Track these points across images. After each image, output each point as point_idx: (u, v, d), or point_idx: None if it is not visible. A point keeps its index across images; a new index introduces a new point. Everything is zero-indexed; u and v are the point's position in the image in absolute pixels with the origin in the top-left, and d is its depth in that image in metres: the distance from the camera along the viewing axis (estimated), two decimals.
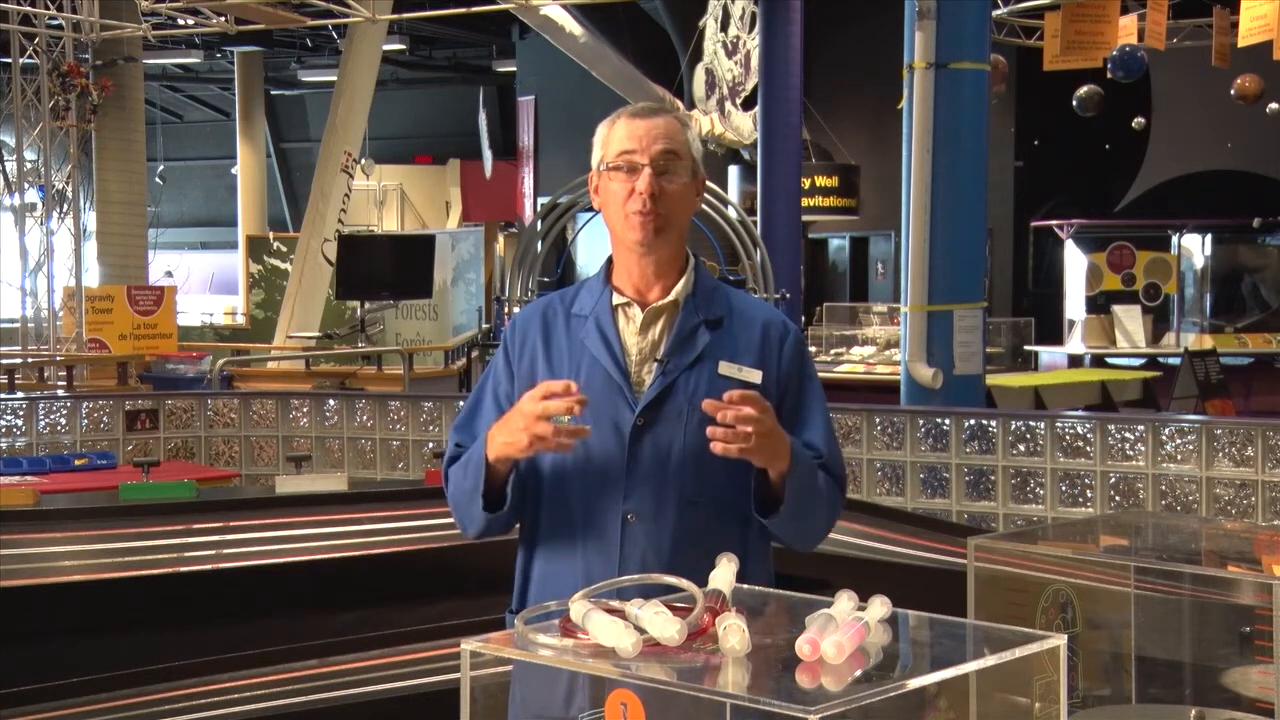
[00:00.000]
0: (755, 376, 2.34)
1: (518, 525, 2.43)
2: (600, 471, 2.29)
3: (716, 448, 2.15)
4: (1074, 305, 16.26)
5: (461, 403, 6.62)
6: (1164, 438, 5.50)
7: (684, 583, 1.72)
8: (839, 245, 19.20)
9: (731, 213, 8.13)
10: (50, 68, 12.09)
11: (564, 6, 13.62)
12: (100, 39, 12.66)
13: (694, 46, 15.20)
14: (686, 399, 2.29)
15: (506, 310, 8.25)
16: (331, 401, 6.85)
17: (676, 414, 2.28)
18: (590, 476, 2.29)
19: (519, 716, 2.09)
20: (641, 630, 1.58)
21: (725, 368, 2.33)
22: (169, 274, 22.27)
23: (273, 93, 25.32)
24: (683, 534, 2.27)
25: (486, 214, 22.76)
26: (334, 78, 15.42)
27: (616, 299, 2.38)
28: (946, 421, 5.93)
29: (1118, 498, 5.58)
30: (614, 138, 2.36)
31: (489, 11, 12.53)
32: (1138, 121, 15.22)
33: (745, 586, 1.82)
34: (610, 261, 2.43)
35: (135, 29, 12.56)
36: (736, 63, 15.00)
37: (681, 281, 2.38)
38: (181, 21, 12.76)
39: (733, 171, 16.38)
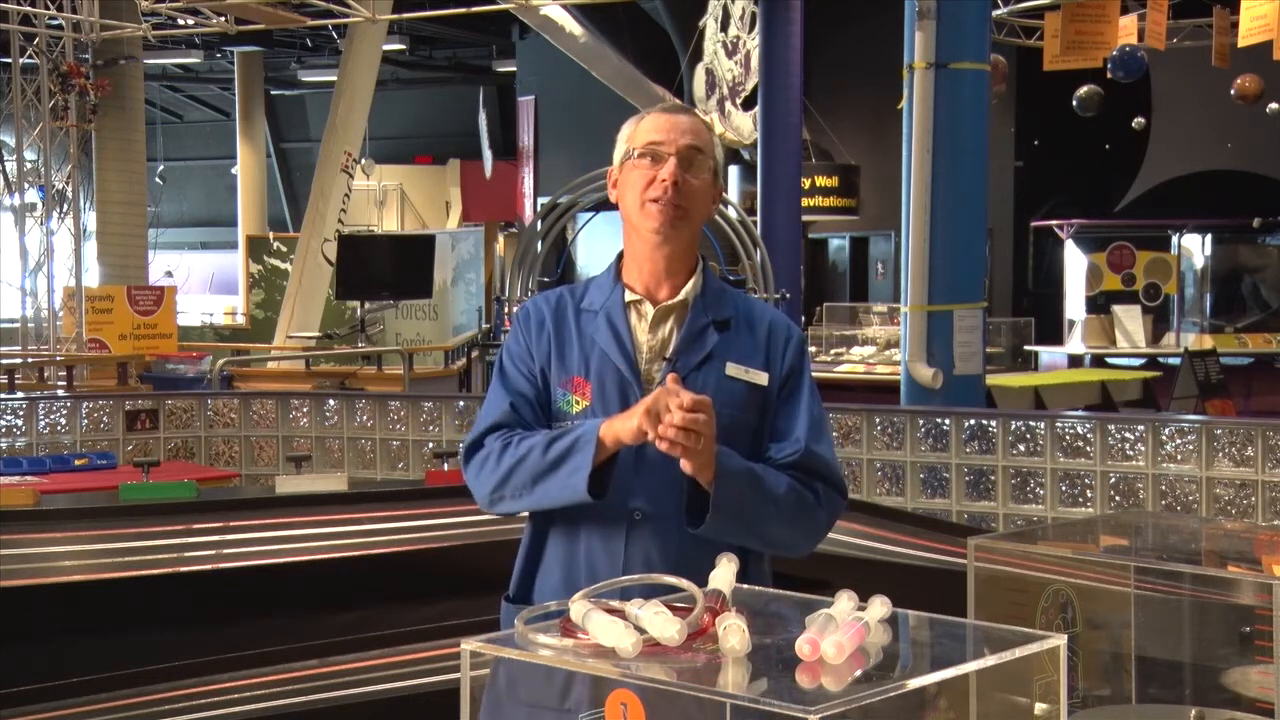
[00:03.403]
0: (762, 379, 2.35)
1: (529, 514, 2.42)
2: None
3: (662, 445, 2.15)
4: (1074, 305, 16.25)
5: (462, 403, 6.63)
6: (1164, 438, 5.50)
7: (684, 583, 1.72)
8: (839, 245, 19.20)
9: (731, 213, 8.13)
10: (50, 68, 12.10)
11: (564, 6, 13.62)
12: (100, 39, 12.66)
13: (694, 46, 15.20)
14: None
15: (506, 310, 8.25)
16: (331, 401, 6.85)
17: None
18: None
19: (500, 701, 2.09)
20: (641, 630, 1.58)
21: (732, 369, 2.34)
22: (169, 274, 22.27)
23: (273, 93, 25.31)
24: (688, 533, 2.27)
25: (486, 214, 22.76)
26: (334, 78, 15.42)
27: (628, 295, 2.39)
28: (946, 421, 5.93)
29: (1118, 498, 5.57)
30: (642, 130, 2.39)
31: (489, 11, 12.53)
32: (1138, 121, 15.22)
33: (745, 586, 1.83)
34: (620, 259, 2.44)
35: (135, 29, 12.56)
36: (736, 63, 15.00)
37: (691, 282, 2.39)
38: (181, 21, 12.76)
39: (733, 171, 16.38)
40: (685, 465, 2.18)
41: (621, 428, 2.21)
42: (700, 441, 2.14)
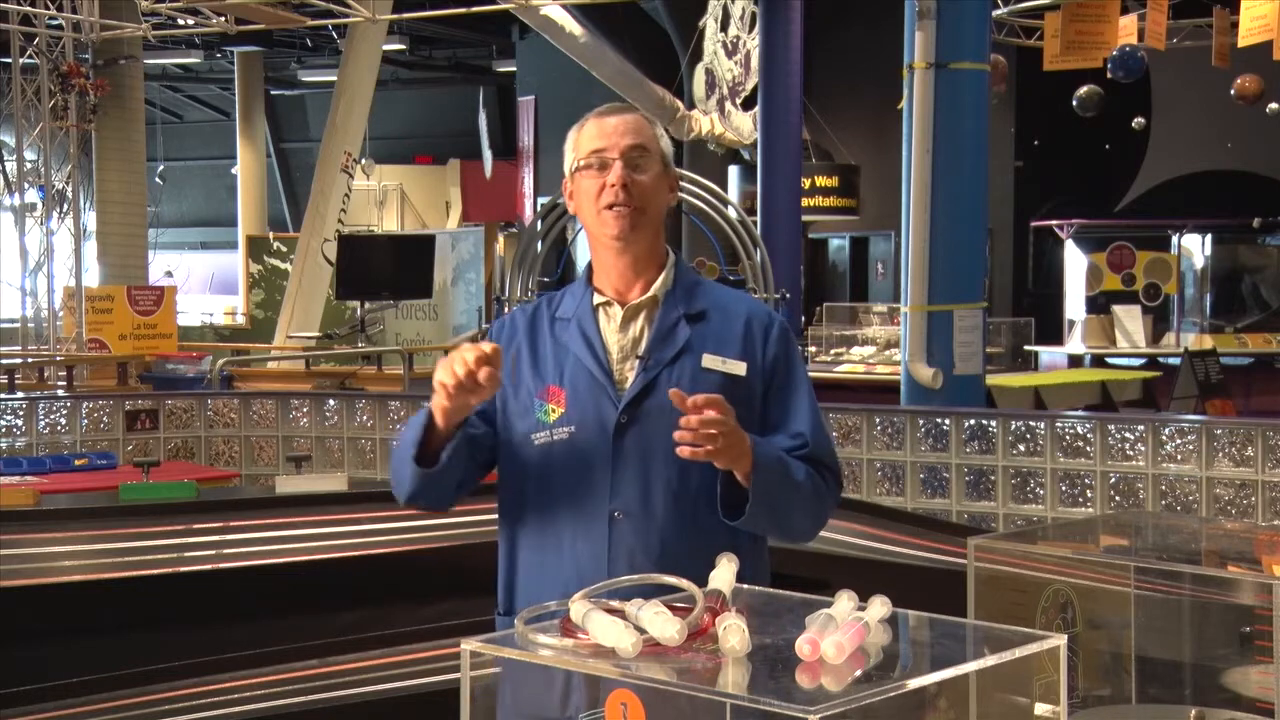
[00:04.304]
0: (739, 368, 2.34)
1: (499, 527, 2.42)
2: (586, 471, 2.29)
3: (683, 451, 2.14)
4: (1074, 305, 16.26)
5: None
6: (1164, 438, 5.50)
7: (684, 583, 1.72)
8: (839, 245, 19.21)
9: (731, 213, 8.12)
10: (50, 68, 12.10)
11: (564, 6, 13.62)
12: (100, 39, 12.66)
13: (694, 46, 15.20)
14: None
15: (506, 310, 8.24)
16: (331, 401, 6.85)
17: (660, 410, 2.27)
18: (576, 476, 2.30)
19: (509, 717, 2.09)
20: (641, 630, 1.58)
21: (709, 361, 2.33)
22: (169, 274, 22.26)
23: (273, 93, 25.32)
24: (670, 530, 2.27)
25: (486, 214, 22.77)
26: (334, 78, 15.42)
27: (597, 299, 2.39)
28: (946, 421, 5.93)
29: (1118, 498, 5.58)
30: (583, 139, 2.38)
31: (489, 11, 12.52)
32: (1138, 121, 15.22)
33: (745, 586, 1.82)
34: (591, 265, 2.44)
35: (135, 29, 12.55)
36: (736, 63, 15.00)
37: (661, 277, 2.39)
38: (181, 21, 12.75)
39: (733, 171, 16.39)
40: (719, 463, 2.18)
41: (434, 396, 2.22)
42: (720, 441, 2.13)
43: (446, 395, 2.18)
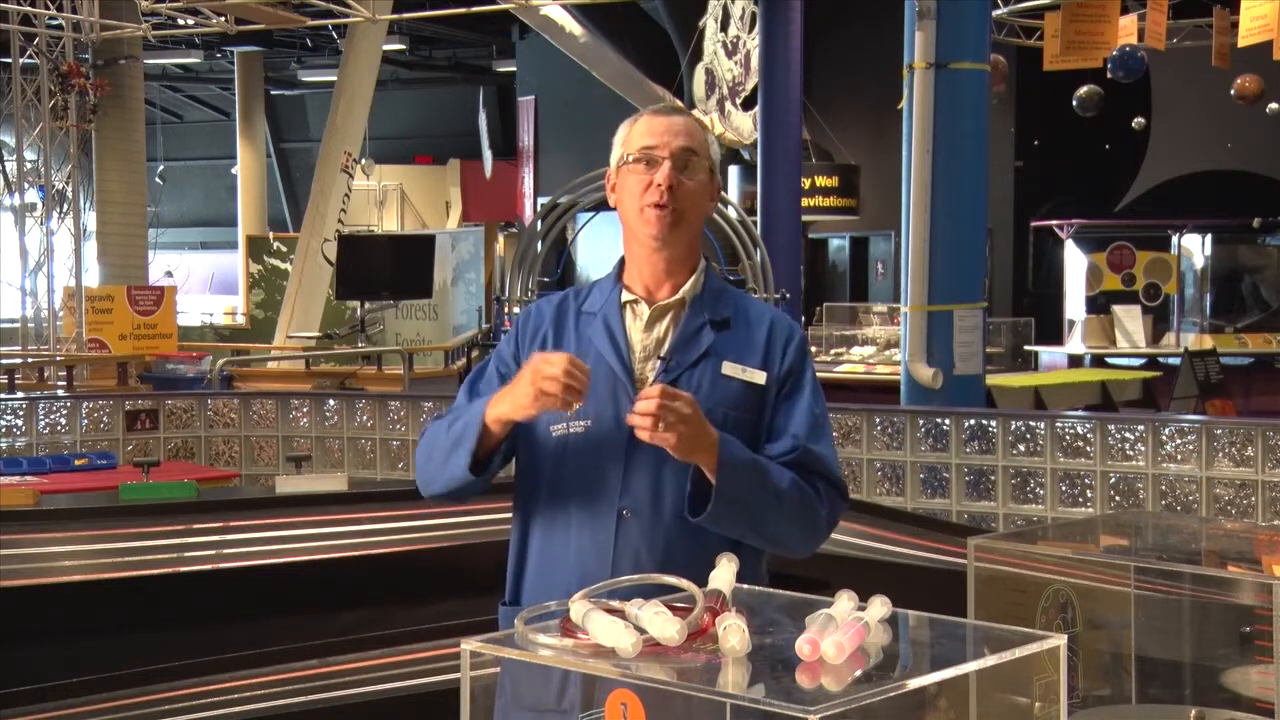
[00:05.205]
0: (759, 377, 2.34)
1: (512, 517, 2.43)
2: (598, 467, 2.29)
3: (642, 435, 2.15)
4: (1074, 305, 16.26)
5: None
6: (1164, 438, 5.50)
7: (684, 583, 1.72)
8: (839, 245, 19.20)
9: (731, 213, 8.12)
10: (50, 68, 12.10)
11: (564, 6, 13.63)
12: (100, 39, 12.67)
13: (694, 46, 15.20)
14: None
15: (506, 310, 8.24)
16: (331, 401, 6.85)
17: None
18: (588, 471, 2.30)
19: (509, 708, 2.09)
20: (641, 630, 1.58)
21: (729, 368, 2.33)
22: (169, 274, 22.26)
23: (273, 93, 25.32)
24: (675, 532, 2.27)
25: (486, 214, 22.77)
26: (334, 78, 15.42)
27: (625, 296, 2.40)
28: (946, 421, 5.93)
29: (1118, 498, 5.58)
30: (635, 134, 2.38)
31: (489, 11, 12.53)
32: (1138, 121, 15.22)
33: (745, 586, 1.82)
34: (623, 261, 2.44)
35: (135, 29, 12.56)
36: (736, 63, 15.00)
37: (690, 281, 2.39)
38: (181, 21, 12.75)
39: (733, 171, 16.38)
40: (674, 452, 2.16)
41: (510, 406, 2.23)
42: (674, 426, 2.12)
43: (528, 411, 2.21)
